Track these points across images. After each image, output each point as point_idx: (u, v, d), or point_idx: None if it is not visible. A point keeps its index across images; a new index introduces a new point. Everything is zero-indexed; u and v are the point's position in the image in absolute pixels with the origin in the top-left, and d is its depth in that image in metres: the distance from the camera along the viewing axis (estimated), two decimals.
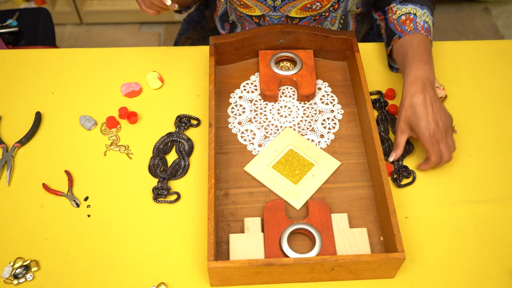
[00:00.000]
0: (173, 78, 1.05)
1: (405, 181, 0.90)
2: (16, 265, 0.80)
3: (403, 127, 0.89)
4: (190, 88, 1.03)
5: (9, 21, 1.59)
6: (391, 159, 0.91)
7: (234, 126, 0.97)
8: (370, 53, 1.08)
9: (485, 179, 0.91)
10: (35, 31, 1.60)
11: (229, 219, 0.85)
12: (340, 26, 1.10)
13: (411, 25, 0.96)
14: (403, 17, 0.97)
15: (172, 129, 0.97)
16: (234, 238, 0.80)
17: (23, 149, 0.94)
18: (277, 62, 1.03)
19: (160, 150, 0.93)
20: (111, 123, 0.96)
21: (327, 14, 1.05)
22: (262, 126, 0.97)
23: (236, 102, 1.00)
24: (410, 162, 0.93)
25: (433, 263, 0.81)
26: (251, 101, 1.00)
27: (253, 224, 0.82)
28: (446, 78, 1.05)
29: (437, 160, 0.88)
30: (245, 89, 1.02)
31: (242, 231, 0.83)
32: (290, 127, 0.96)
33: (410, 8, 0.98)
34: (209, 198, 0.80)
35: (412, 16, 0.96)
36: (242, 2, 1.03)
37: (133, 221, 0.85)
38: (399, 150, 0.90)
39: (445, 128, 0.87)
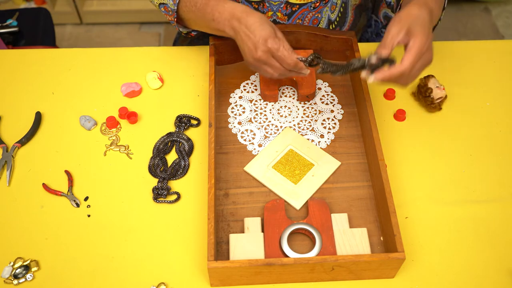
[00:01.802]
0: (173, 78, 1.05)
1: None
2: (16, 265, 0.80)
3: (403, 28, 0.79)
4: (190, 88, 1.03)
5: (9, 21, 1.59)
6: (374, 59, 0.81)
7: (234, 126, 0.97)
8: (370, 53, 1.07)
9: (485, 179, 0.91)
10: (35, 31, 1.60)
11: (229, 219, 0.85)
12: (339, 15, 1.09)
13: None
14: None
15: (172, 129, 0.97)
16: (234, 238, 0.80)
17: (23, 149, 0.94)
18: None
19: (160, 150, 0.93)
20: (111, 123, 0.96)
21: None
22: (262, 126, 0.97)
23: (236, 102, 1.00)
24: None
25: (433, 263, 0.82)
26: (251, 101, 1.00)
27: (253, 224, 0.82)
28: (446, 78, 1.05)
29: (405, 71, 0.79)
30: (245, 89, 1.02)
31: (242, 231, 0.83)
32: (290, 127, 0.96)
33: None
34: (209, 198, 0.80)
35: None
36: None
37: (133, 221, 0.85)
38: (388, 49, 0.80)
39: (430, 58, 0.81)
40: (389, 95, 1.01)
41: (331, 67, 0.86)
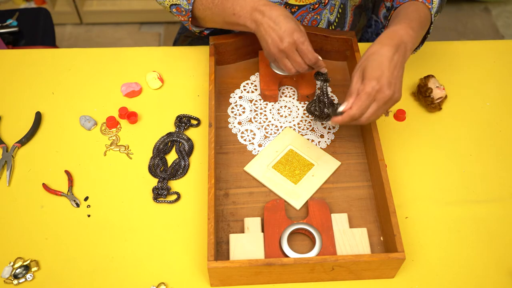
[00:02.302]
0: (173, 78, 1.05)
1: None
2: (16, 265, 0.80)
3: (360, 73, 0.82)
4: (190, 88, 1.03)
5: (9, 21, 1.59)
6: (341, 108, 0.82)
7: (234, 126, 0.97)
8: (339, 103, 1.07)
9: (485, 179, 0.91)
10: (35, 31, 1.60)
11: (229, 219, 0.85)
12: (338, 16, 1.09)
13: None
14: None
15: (172, 129, 0.97)
16: (234, 238, 0.80)
17: (23, 149, 0.94)
18: None
19: (160, 150, 0.93)
20: (111, 123, 0.96)
21: (326, 1, 1.04)
22: (262, 126, 0.97)
23: (236, 102, 1.00)
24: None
25: (433, 263, 0.82)
26: (251, 101, 1.00)
27: (253, 224, 0.82)
28: (446, 78, 1.05)
29: (355, 116, 0.80)
30: (245, 89, 1.02)
31: (242, 231, 0.83)
32: (290, 127, 0.96)
33: None
34: (209, 198, 0.80)
35: None
36: None
37: (133, 221, 0.85)
38: (352, 98, 0.81)
39: (388, 97, 0.79)
40: None
41: (315, 108, 0.90)
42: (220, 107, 0.99)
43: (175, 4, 0.95)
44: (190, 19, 0.96)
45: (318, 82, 0.91)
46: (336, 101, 0.97)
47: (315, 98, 0.92)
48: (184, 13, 0.95)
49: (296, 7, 1.03)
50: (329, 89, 0.95)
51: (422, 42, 0.95)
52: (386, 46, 0.81)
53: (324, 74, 0.92)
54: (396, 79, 0.80)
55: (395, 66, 0.80)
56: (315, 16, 1.06)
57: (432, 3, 0.90)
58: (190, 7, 0.94)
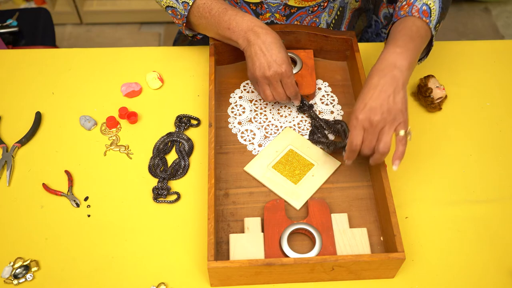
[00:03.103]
0: (173, 78, 1.05)
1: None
2: (16, 265, 0.80)
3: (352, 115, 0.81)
4: (190, 88, 1.03)
5: (9, 21, 1.59)
6: (347, 161, 0.83)
7: (234, 126, 0.97)
8: (370, 53, 1.08)
9: (485, 179, 0.91)
10: (35, 31, 1.60)
11: (229, 219, 0.85)
12: (336, 18, 1.10)
13: (407, 9, 0.88)
14: (404, 3, 0.90)
15: (172, 129, 0.97)
16: (234, 238, 0.80)
17: (23, 149, 0.94)
18: None
19: (160, 150, 0.93)
20: (111, 123, 0.96)
21: (325, 4, 1.04)
22: (262, 126, 0.97)
23: (236, 102, 1.00)
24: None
25: (433, 263, 0.82)
26: (251, 101, 1.00)
27: (253, 224, 0.82)
28: (446, 78, 1.05)
29: (352, 148, 0.80)
30: (245, 89, 1.02)
31: (242, 231, 0.83)
32: (290, 127, 0.96)
33: None
34: (209, 198, 0.80)
35: (412, 0, 0.89)
36: None
37: (133, 221, 0.85)
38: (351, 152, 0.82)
39: (385, 120, 0.78)
40: None
41: (318, 136, 0.94)
42: (220, 107, 0.99)
43: (171, 7, 0.95)
44: (184, 24, 0.96)
45: (305, 113, 0.96)
46: (332, 119, 0.97)
47: (312, 128, 0.95)
48: (179, 16, 0.96)
49: (295, 9, 1.04)
50: (317, 112, 0.98)
51: (427, 54, 0.93)
52: (370, 75, 0.82)
53: (305, 104, 0.96)
54: (386, 100, 0.78)
55: (381, 90, 0.79)
56: (314, 19, 1.06)
57: (431, 15, 0.88)
58: (186, 13, 0.94)
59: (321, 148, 0.92)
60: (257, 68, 0.87)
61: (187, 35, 1.02)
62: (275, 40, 0.87)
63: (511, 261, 0.82)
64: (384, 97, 0.78)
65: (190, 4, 0.92)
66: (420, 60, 0.94)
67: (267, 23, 1.06)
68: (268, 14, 1.05)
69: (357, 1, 1.11)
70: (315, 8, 1.04)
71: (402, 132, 0.79)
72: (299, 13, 1.04)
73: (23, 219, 0.85)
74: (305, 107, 0.96)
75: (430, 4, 0.88)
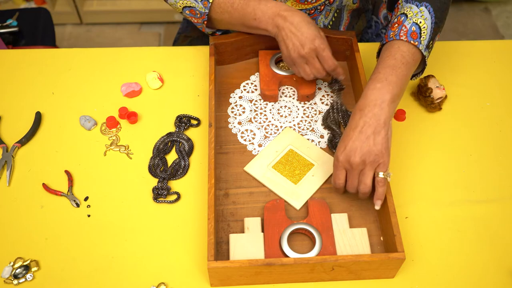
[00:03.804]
0: (173, 78, 1.05)
1: None
2: (16, 265, 0.80)
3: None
4: (190, 88, 1.03)
5: (9, 21, 1.59)
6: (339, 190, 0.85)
7: (234, 126, 0.97)
8: (370, 53, 1.08)
9: (485, 179, 0.91)
10: (35, 31, 1.61)
11: (229, 219, 0.85)
12: (333, 19, 1.10)
13: (397, 30, 0.86)
14: (395, 20, 0.88)
15: (172, 129, 0.97)
16: (234, 238, 0.80)
17: (23, 149, 0.94)
18: (277, 62, 1.03)
19: (160, 150, 0.93)
20: (111, 123, 0.96)
21: (322, 8, 1.04)
22: (262, 126, 0.97)
23: (236, 102, 1.00)
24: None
25: (433, 263, 0.81)
26: (251, 101, 1.00)
27: (253, 224, 0.82)
28: (446, 78, 1.05)
29: (336, 187, 0.83)
30: (245, 89, 1.02)
31: (242, 231, 0.83)
32: (290, 127, 0.96)
33: (406, 7, 0.88)
34: (209, 198, 0.80)
35: (402, 18, 0.87)
36: None
37: (133, 221, 0.85)
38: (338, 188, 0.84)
39: (365, 162, 0.78)
40: None
41: (331, 121, 0.96)
42: (220, 107, 0.99)
43: (189, 7, 0.95)
44: (205, 22, 0.96)
45: (333, 91, 0.96)
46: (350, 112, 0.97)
47: (329, 108, 0.94)
48: (199, 15, 0.95)
49: None
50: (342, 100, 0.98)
51: (422, 71, 0.92)
52: (352, 115, 0.82)
53: (339, 83, 0.95)
54: (367, 140, 0.78)
55: (361, 131, 0.79)
56: None
57: (420, 36, 0.85)
58: (207, 11, 0.94)
59: (328, 132, 0.94)
60: (291, 49, 0.88)
61: (207, 33, 1.02)
62: (303, 18, 0.88)
63: (511, 261, 0.82)
64: (363, 139, 0.78)
65: (211, 1, 0.93)
66: (414, 76, 0.93)
67: None
68: None
69: (355, 3, 1.11)
70: (312, 11, 1.04)
71: (381, 174, 0.79)
72: None
73: (23, 219, 0.85)
74: (336, 85, 0.96)
75: (420, 22, 0.86)
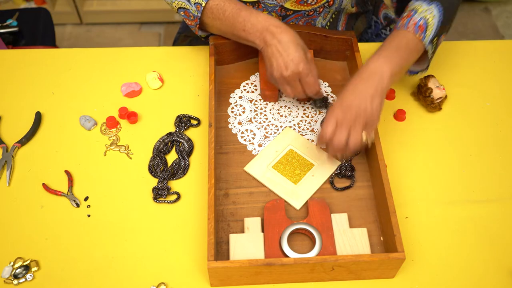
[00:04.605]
0: (173, 78, 1.05)
1: (341, 185, 0.89)
2: (16, 265, 0.80)
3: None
4: (190, 88, 1.03)
5: (9, 21, 1.59)
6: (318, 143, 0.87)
7: (234, 126, 0.97)
8: (370, 53, 1.07)
9: (485, 179, 0.91)
10: (35, 31, 1.60)
11: (229, 219, 0.85)
12: (331, 20, 1.10)
13: (405, 22, 0.90)
14: (405, 14, 0.92)
15: (172, 129, 0.97)
16: (234, 238, 0.80)
17: (23, 149, 0.94)
18: None
19: (160, 150, 0.93)
20: (111, 123, 0.96)
21: (321, 10, 1.04)
22: (262, 126, 0.97)
23: (236, 102, 1.00)
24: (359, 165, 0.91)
25: (433, 263, 0.82)
26: (251, 101, 1.00)
27: (253, 224, 0.82)
28: (446, 78, 1.05)
29: (322, 137, 0.84)
30: (245, 89, 1.02)
31: (242, 231, 0.83)
32: (290, 127, 0.96)
33: (417, 4, 0.91)
34: (209, 198, 0.80)
35: (412, 12, 0.90)
36: None
37: (133, 221, 0.85)
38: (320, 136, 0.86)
39: (357, 119, 0.81)
40: (389, 95, 1.01)
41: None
42: (220, 107, 0.99)
43: (183, 8, 0.95)
44: (197, 25, 0.96)
45: (318, 108, 0.98)
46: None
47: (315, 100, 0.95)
48: (192, 18, 0.95)
49: (291, 11, 1.04)
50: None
51: (426, 68, 0.96)
52: (352, 81, 0.85)
53: (325, 102, 0.96)
54: (363, 100, 0.82)
55: (361, 92, 0.82)
56: (309, 20, 1.07)
57: (426, 31, 0.88)
58: (199, 15, 0.94)
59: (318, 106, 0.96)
60: (274, 69, 0.87)
61: (200, 36, 1.01)
62: (292, 39, 0.87)
63: (511, 261, 0.82)
64: (362, 98, 0.82)
65: (203, 5, 0.92)
66: (419, 72, 0.96)
67: None
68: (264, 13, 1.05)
69: (353, 7, 1.11)
70: (311, 13, 1.04)
71: (364, 135, 0.83)
72: (295, 16, 1.05)
73: (23, 219, 0.85)
74: (319, 103, 0.97)
75: (428, 18, 0.88)
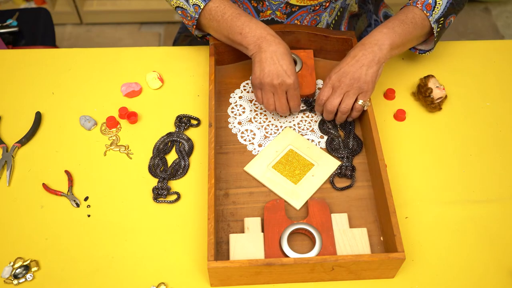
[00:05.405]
0: (173, 78, 1.05)
1: (341, 185, 0.89)
2: (16, 265, 0.80)
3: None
4: (190, 88, 1.03)
5: (9, 21, 1.59)
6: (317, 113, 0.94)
7: (234, 126, 0.97)
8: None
9: (485, 179, 0.91)
10: (35, 31, 1.60)
11: (229, 219, 0.85)
12: (336, 18, 1.10)
13: None
14: None
15: (172, 129, 0.97)
16: (234, 238, 0.80)
17: (23, 149, 0.94)
18: None
19: (160, 150, 0.93)
20: (111, 123, 0.96)
21: (327, 4, 1.04)
22: (262, 126, 0.97)
23: (236, 102, 1.00)
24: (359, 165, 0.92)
25: (433, 263, 0.82)
26: (251, 101, 1.00)
27: (253, 224, 0.82)
28: (446, 78, 1.05)
29: (318, 101, 0.91)
30: (245, 89, 1.02)
31: (242, 231, 0.83)
32: (290, 127, 0.96)
33: None
34: (209, 198, 0.80)
35: None
36: None
37: (133, 221, 0.85)
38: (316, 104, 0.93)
39: (352, 85, 0.88)
40: (389, 95, 1.01)
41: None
42: (220, 107, 0.99)
43: (181, 8, 0.95)
44: (194, 26, 0.97)
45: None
46: None
47: (322, 118, 0.97)
48: (189, 18, 0.96)
49: (297, 7, 1.03)
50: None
51: (432, 48, 0.99)
52: (353, 48, 0.90)
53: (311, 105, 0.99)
54: (359, 69, 0.87)
55: (358, 60, 0.88)
56: (315, 17, 1.06)
57: (434, 9, 0.92)
58: (197, 16, 0.94)
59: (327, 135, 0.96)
60: (265, 74, 0.87)
61: (196, 36, 1.02)
62: (287, 52, 0.89)
63: (511, 261, 0.82)
64: (357, 66, 0.87)
65: (202, 7, 0.93)
66: (425, 51, 1.00)
67: (267, 21, 1.06)
68: (269, 12, 1.05)
69: (356, 3, 1.11)
70: (317, 7, 1.04)
71: (360, 102, 0.89)
72: (300, 12, 1.04)
73: (23, 219, 0.85)
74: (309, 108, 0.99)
75: None
